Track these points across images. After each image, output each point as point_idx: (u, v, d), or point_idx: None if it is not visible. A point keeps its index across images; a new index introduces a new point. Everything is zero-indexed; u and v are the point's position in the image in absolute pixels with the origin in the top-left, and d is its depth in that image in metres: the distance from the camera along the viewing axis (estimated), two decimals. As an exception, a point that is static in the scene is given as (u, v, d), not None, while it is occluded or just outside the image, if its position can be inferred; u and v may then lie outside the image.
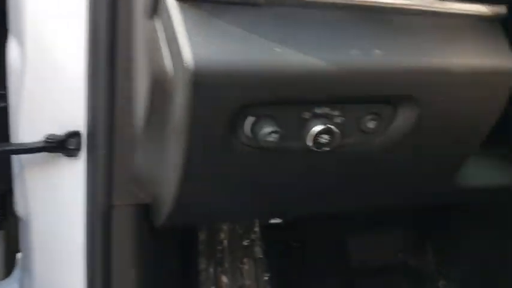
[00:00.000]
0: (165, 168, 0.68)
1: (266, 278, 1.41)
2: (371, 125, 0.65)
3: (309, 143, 0.63)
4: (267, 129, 0.59)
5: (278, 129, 0.59)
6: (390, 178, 0.77)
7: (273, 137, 0.59)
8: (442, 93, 0.63)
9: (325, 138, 0.62)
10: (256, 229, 1.47)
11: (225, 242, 1.43)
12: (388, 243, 1.66)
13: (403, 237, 1.67)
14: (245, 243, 1.44)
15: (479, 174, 0.89)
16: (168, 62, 0.56)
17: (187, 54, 0.52)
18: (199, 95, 0.53)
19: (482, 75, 0.64)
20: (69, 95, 0.83)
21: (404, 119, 0.66)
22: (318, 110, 0.63)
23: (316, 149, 0.63)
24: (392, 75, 0.59)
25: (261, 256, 1.43)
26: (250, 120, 0.60)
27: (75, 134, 0.86)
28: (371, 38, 0.59)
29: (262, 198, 0.74)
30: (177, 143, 0.60)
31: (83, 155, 0.87)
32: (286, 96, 0.57)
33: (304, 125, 0.63)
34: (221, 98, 0.54)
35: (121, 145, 0.84)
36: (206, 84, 0.52)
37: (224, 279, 1.37)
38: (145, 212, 0.98)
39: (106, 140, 0.85)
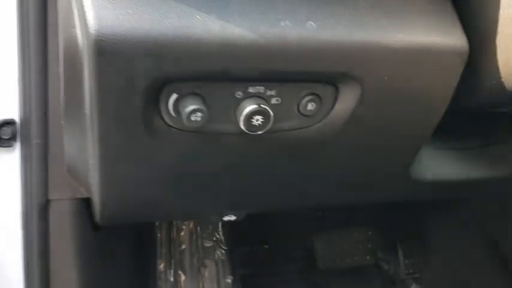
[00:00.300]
0: (87, 158, 0.63)
1: (229, 281, 1.35)
2: (310, 107, 0.60)
3: (241, 125, 0.58)
4: (191, 107, 0.53)
5: (203, 108, 0.54)
6: (335, 170, 0.72)
7: (198, 116, 0.54)
8: (386, 72, 0.58)
9: (258, 120, 0.57)
10: (220, 230, 1.42)
11: (186, 243, 1.37)
12: (358, 244, 1.62)
13: (373, 239, 1.63)
14: (207, 244, 1.39)
15: (439, 168, 0.84)
16: (78, 29, 0.51)
17: (91, 18, 0.46)
18: (107, 66, 0.48)
19: (430, 53, 0.59)
20: (1, 81, 0.78)
21: (346, 101, 0.61)
22: (252, 89, 0.57)
23: (248, 132, 0.58)
24: (328, 51, 0.54)
25: (224, 258, 1.37)
26: (174, 97, 0.55)
27: (9, 123, 0.81)
28: (305, 9, 0.54)
29: (195, 190, 0.69)
30: (92, 125, 0.54)
31: (18, 145, 0.82)
32: (210, 71, 0.52)
33: (236, 106, 0.58)
34: (133, 70, 0.49)
35: (57, 134, 0.79)
36: (114, 53, 0.47)
37: (184, 281, 1.31)
38: (87, 207, 0.92)
39: (40, 129, 0.79)
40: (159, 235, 1.35)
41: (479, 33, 0.61)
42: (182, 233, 1.37)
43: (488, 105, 0.68)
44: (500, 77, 0.60)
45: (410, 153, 0.72)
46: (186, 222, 1.38)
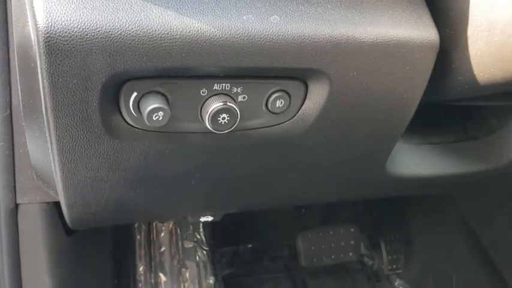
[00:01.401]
0: (49, 161, 0.60)
1: (211, 281, 1.33)
2: (279, 104, 0.59)
3: (207, 124, 0.56)
4: (152, 106, 0.51)
5: (164, 106, 0.51)
6: (307, 167, 0.70)
7: (160, 116, 0.52)
8: (354, 66, 0.56)
9: (224, 119, 0.55)
10: (201, 231, 1.40)
11: (166, 245, 1.35)
12: (341, 241, 1.61)
13: (356, 236, 1.62)
14: (188, 245, 1.37)
15: (415, 164, 0.83)
16: (29, 27, 0.48)
17: (40, 13, 0.44)
18: (59, 64, 0.46)
19: (400, 47, 0.57)
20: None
21: (316, 97, 0.59)
22: (217, 87, 0.55)
23: (214, 131, 0.56)
24: (293, 45, 0.52)
25: (205, 259, 1.36)
26: (134, 96, 0.52)
27: (-24, 123, 0.78)
28: (269, 2, 0.52)
29: (163, 192, 0.67)
30: (48, 126, 0.52)
31: (-16, 147, 0.79)
32: (171, 68, 0.50)
33: (201, 104, 0.56)
34: (88, 68, 0.46)
35: (23, 136, 0.76)
36: (65, 51, 0.45)
37: (165, 283, 1.29)
38: (59, 211, 0.89)
39: (4, 131, 0.76)
40: (138, 237, 1.33)
41: (450, 26, 0.60)
42: (162, 234, 1.35)
43: (461, 99, 0.67)
44: (471, 70, 0.59)
45: (384, 148, 0.71)
46: (165, 224, 1.35)
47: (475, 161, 0.87)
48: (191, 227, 1.40)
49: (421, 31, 0.59)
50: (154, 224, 1.35)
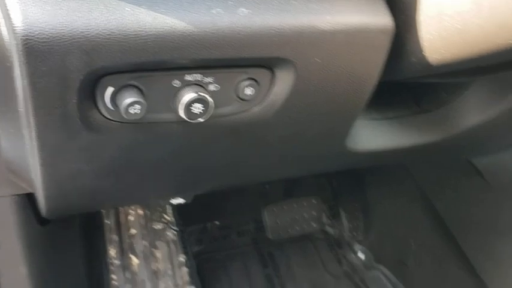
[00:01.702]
0: (26, 155, 0.61)
1: (182, 259, 1.37)
2: (249, 91, 0.62)
3: (182, 114, 0.58)
4: (128, 99, 0.53)
5: (141, 100, 0.54)
6: (277, 147, 0.74)
7: (137, 109, 0.54)
8: (317, 54, 0.60)
9: (198, 108, 0.58)
10: (169, 211, 1.43)
11: (136, 227, 1.37)
12: (304, 213, 1.68)
13: (318, 206, 1.69)
14: (157, 227, 1.39)
15: (373, 138, 0.88)
16: (3, 27, 0.49)
17: (16, 16, 0.45)
18: (38, 65, 0.47)
19: (358, 33, 0.61)
20: None
21: (282, 83, 0.62)
22: (189, 77, 0.58)
23: (189, 121, 0.59)
24: (260, 36, 0.55)
25: (175, 239, 1.39)
26: (110, 91, 0.54)
27: None
28: (235, -4, 0.55)
29: (140, 179, 0.69)
30: (28, 124, 0.53)
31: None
32: (145, 63, 0.52)
33: (175, 95, 0.58)
34: (66, 68, 0.48)
35: None
36: (43, 52, 0.46)
37: (137, 265, 1.31)
38: (31, 202, 0.89)
39: None
40: (107, 222, 1.35)
41: (403, 12, 0.64)
42: (131, 218, 1.37)
43: (415, 77, 0.72)
44: (424, 52, 0.64)
45: (345, 126, 0.76)
46: (133, 207, 1.37)
47: (428, 133, 0.94)
48: (159, 209, 1.42)
49: (377, 18, 0.63)
50: (122, 208, 1.37)
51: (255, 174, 0.86)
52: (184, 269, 1.34)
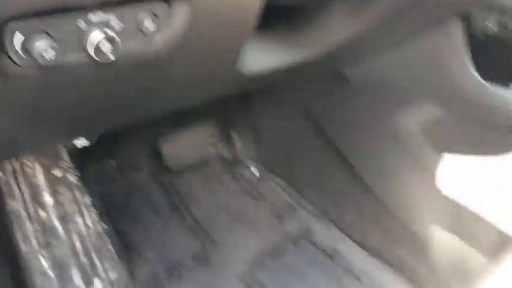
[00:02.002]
0: None
1: (88, 202, 1.39)
2: (150, 25, 0.66)
3: (92, 54, 0.61)
4: (41, 45, 0.55)
5: (52, 44, 0.56)
6: (178, 79, 0.80)
7: (50, 54, 0.56)
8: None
9: (106, 47, 0.61)
10: (65, 156, 1.42)
11: (35, 177, 1.35)
12: (200, 140, 1.77)
13: (212, 132, 1.79)
14: (57, 173, 1.38)
15: (257, 60, 0.97)
16: None
17: None
18: None
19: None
20: None
21: (180, 15, 0.67)
22: (94, 18, 0.60)
23: (99, 60, 0.62)
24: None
25: (78, 183, 1.39)
26: (18, 37, 0.55)
27: None
28: None
29: (51, 123, 0.71)
30: None
31: None
32: (44, 6, 0.54)
33: (83, 36, 0.61)
34: None
35: None
36: None
37: (42, 213, 1.31)
38: None
39: None
40: (1, 175, 1.31)
41: None
42: (28, 169, 1.34)
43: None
44: None
45: (235, 51, 0.84)
46: (29, 158, 1.34)
47: (303, 49, 1.05)
48: (54, 155, 1.41)
49: None
50: (17, 161, 1.33)
51: (156, 109, 0.92)
52: (93, 210, 1.38)
